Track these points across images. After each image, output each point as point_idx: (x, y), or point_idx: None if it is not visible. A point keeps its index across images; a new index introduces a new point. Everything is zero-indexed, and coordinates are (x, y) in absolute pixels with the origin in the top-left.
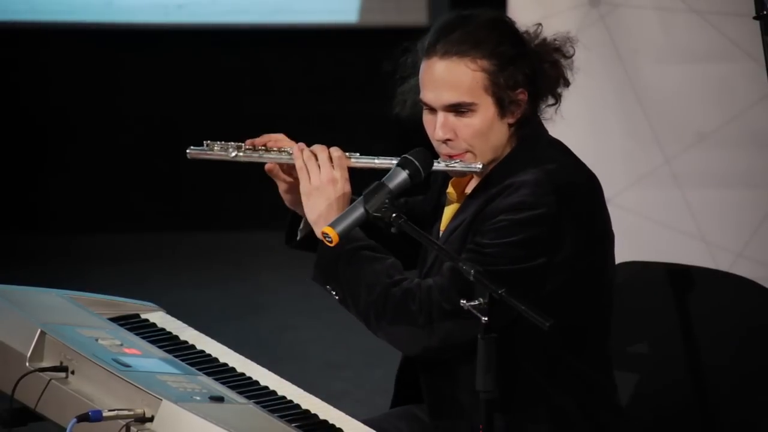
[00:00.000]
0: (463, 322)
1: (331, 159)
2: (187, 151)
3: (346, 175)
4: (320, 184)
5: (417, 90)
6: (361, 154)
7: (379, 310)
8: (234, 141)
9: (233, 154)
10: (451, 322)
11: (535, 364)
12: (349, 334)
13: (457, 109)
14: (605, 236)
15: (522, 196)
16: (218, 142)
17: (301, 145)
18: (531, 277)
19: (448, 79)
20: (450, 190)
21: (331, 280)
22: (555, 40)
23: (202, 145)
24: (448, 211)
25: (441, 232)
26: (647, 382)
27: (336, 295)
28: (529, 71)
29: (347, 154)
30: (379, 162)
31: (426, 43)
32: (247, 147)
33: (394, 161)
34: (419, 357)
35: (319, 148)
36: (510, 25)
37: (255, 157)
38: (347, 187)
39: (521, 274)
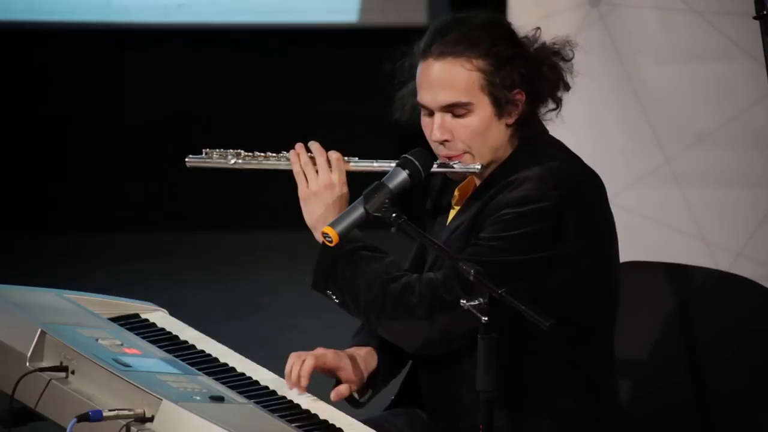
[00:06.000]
0: (464, 312)
1: (329, 163)
2: (186, 159)
3: (344, 178)
4: (318, 188)
5: (415, 93)
6: (360, 158)
7: (378, 307)
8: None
9: (232, 162)
10: (453, 313)
11: (539, 363)
12: (349, 335)
13: (454, 109)
14: (609, 234)
15: (526, 191)
16: (217, 150)
17: (300, 147)
18: (534, 269)
19: (443, 80)
20: (455, 193)
21: (331, 283)
22: (554, 43)
23: (201, 154)
24: (453, 214)
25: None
26: (647, 382)
27: (336, 298)
28: (526, 71)
29: (346, 158)
30: (378, 165)
31: (422, 46)
32: (246, 154)
33: (393, 165)
34: (420, 351)
35: (318, 151)
36: (506, 26)
37: (254, 163)
38: (345, 191)
39: (525, 265)
